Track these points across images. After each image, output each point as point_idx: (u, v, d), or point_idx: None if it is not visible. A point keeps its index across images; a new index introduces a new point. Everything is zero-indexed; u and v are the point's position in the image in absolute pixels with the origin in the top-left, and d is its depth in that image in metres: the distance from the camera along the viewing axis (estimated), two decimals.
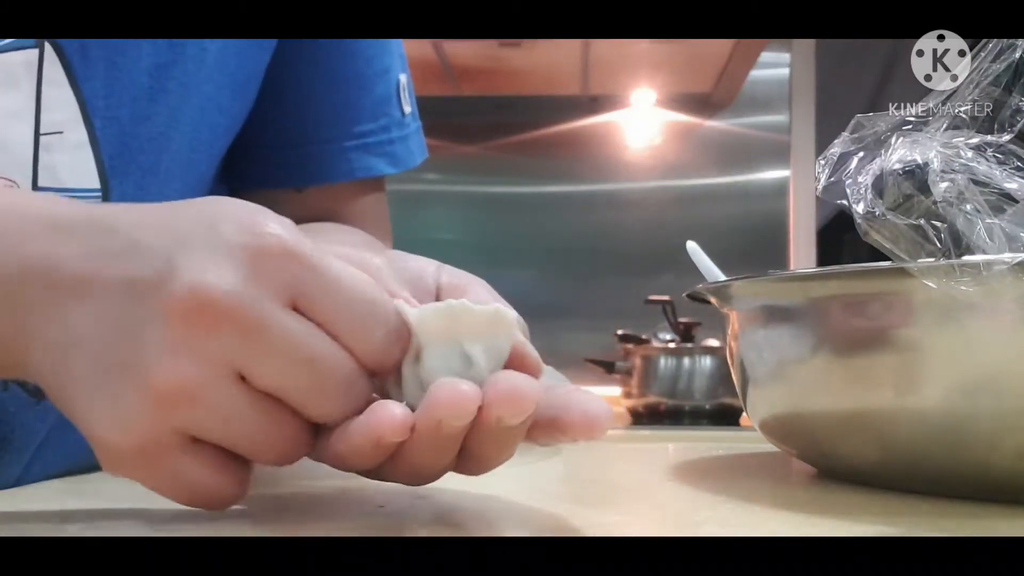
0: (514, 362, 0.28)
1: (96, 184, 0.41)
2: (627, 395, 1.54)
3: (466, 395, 0.24)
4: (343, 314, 0.26)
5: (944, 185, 0.30)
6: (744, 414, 0.41)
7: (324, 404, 0.26)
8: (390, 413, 0.25)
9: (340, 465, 0.27)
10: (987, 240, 0.29)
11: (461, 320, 0.27)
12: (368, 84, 0.54)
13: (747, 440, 0.52)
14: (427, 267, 0.33)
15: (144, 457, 0.25)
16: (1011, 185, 0.30)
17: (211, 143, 0.47)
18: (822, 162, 0.34)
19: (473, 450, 0.27)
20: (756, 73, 1.87)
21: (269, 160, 0.52)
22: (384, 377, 0.28)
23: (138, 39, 0.41)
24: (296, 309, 0.26)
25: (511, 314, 0.28)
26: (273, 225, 0.26)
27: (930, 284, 0.29)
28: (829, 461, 0.38)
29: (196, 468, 0.26)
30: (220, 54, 0.45)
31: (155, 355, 0.24)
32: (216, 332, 0.24)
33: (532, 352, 0.28)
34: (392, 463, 0.27)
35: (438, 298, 0.32)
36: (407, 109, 0.56)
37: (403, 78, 0.56)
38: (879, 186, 0.32)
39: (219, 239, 0.25)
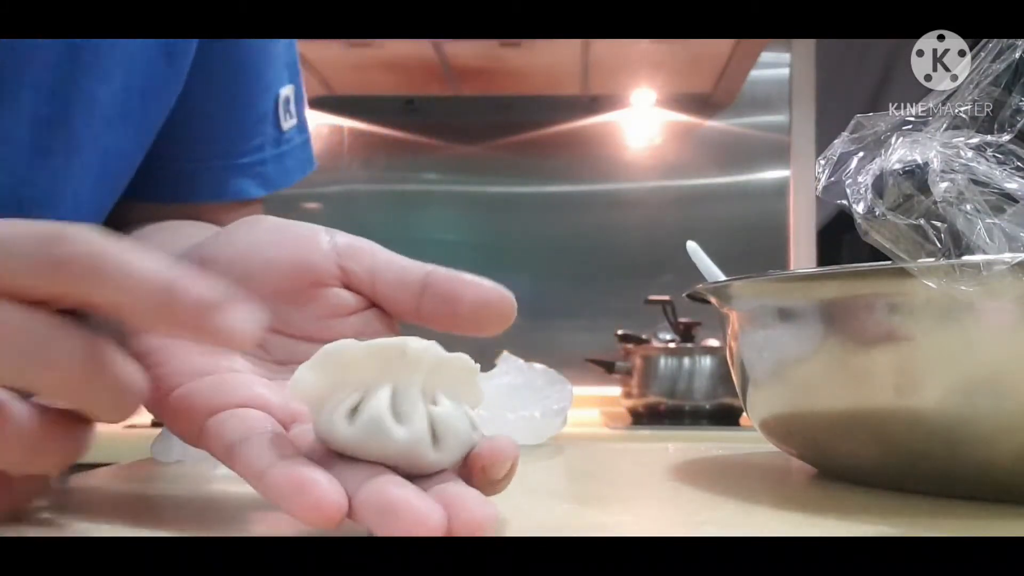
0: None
1: None
2: (627, 395, 1.54)
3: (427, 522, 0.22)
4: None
5: (944, 185, 0.30)
6: (744, 414, 0.41)
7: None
8: (321, 499, 0.23)
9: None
10: (987, 240, 0.29)
11: (421, 361, 0.25)
12: (252, 100, 0.51)
13: (747, 440, 0.52)
14: (318, 233, 0.32)
15: None
16: (1011, 185, 0.30)
17: (114, 186, 0.46)
18: (822, 162, 0.34)
19: None
20: (756, 73, 1.87)
21: (149, 173, 0.49)
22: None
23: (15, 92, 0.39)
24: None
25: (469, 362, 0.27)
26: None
27: (930, 284, 0.29)
28: (829, 461, 0.38)
29: None
30: (122, 100, 0.43)
31: None
32: None
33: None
34: None
35: (341, 264, 0.31)
36: (287, 124, 0.53)
37: (286, 91, 0.53)
38: (879, 186, 0.32)
39: None
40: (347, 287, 0.31)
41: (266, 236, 0.32)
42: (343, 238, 0.32)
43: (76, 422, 0.24)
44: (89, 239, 0.23)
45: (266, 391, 0.28)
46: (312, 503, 0.22)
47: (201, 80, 0.48)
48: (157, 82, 0.45)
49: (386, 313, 0.32)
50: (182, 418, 0.28)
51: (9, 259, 0.22)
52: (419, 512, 0.22)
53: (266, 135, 0.52)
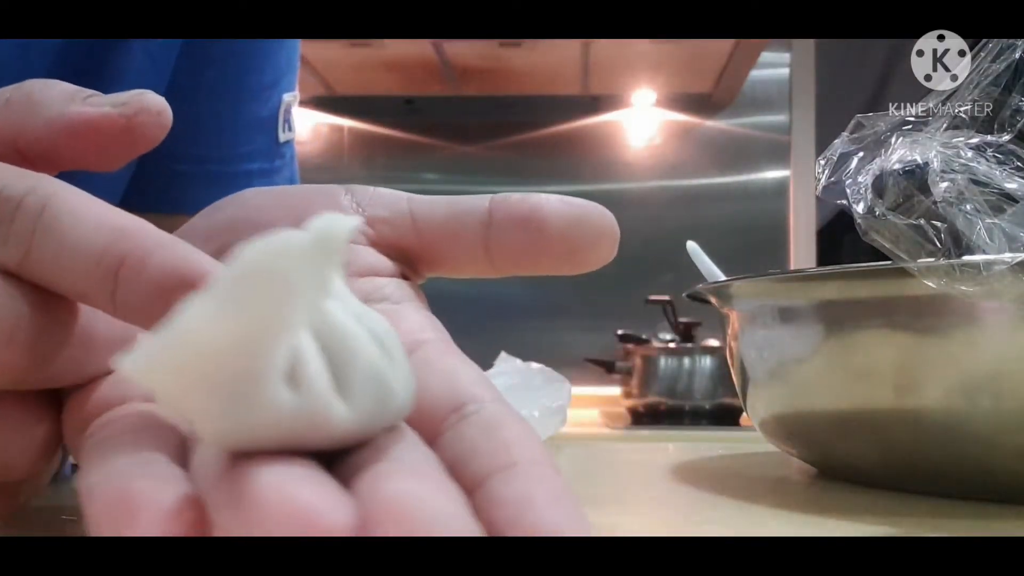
0: None
1: None
2: (627, 395, 1.54)
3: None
4: None
5: (944, 185, 0.30)
6: (744, 414, 0.41)
7: None
8: (149, 503, 0.15)
9: None
10: (987, 240, 0.29)
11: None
12: (252, 104, 0.46)
13: (747, 440, 0.52)
14: (334, 188, 0.26)
15: None
16: (1011, 185, 0.30)
17: (111, 191, 0.42)
18: (822, 162, 0.34)
19: None
20: (756, 73, 1.87)
21: (146, 181, 0.44)
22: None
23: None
24: None
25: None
26: None
27: (930, 284, 0.29)
28: (829, 461, 0.38)
29: None
30: None
31: None
32: None
33: None
34: None
35: (369, 216, 0.25)
36: (285, 136, 0.48)
37: (288, 98, 0.48)
38: (879, 186, 0.32)
39: None
40: (375, 245, 0.25)
41: (275, 198, 0.26)
42: (365, 190, 0.26)
43: None
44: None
45: None
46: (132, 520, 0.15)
47: (195, 83, 0.45)
48: (144, 86, 0.44)
49: (415, 280, 0.25)
50: (67, 428, 0.21)
51: None
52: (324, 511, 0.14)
53: (263, 143, 0.48)
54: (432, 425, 0.18)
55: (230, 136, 0.47)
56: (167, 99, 0.43)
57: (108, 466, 0.17)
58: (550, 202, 0.24)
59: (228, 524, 0.15)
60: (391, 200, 0.26)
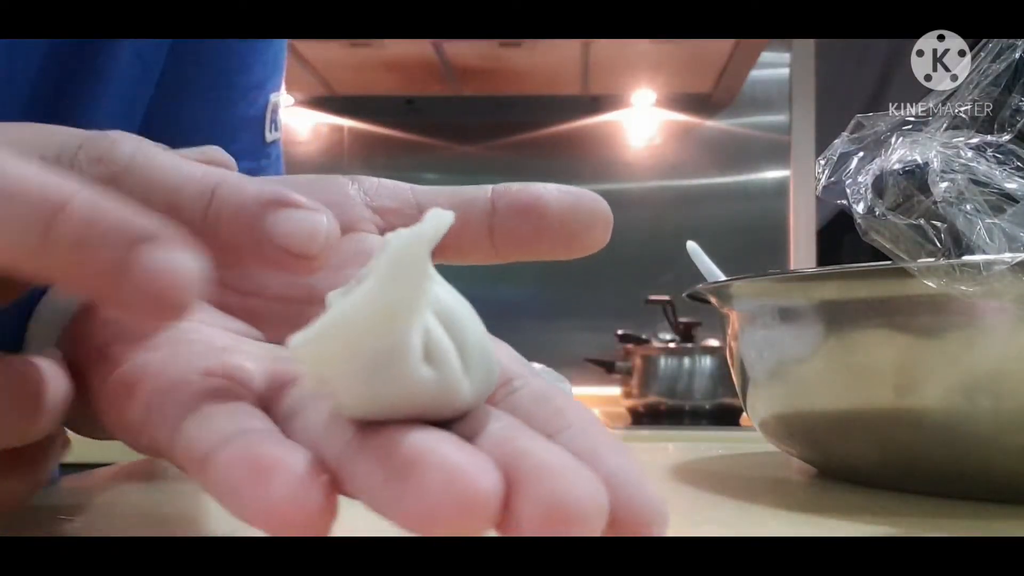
0: None
1: None
2: (627, 395, 1.54)
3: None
4: None
5: (944, 185, 0.30)
6: (744, 414, 0.41)
7: None
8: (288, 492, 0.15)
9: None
10: (987, 240, 0.29)
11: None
12: (238, 102, 0.46)
13: (747, 440, 0.52)
14: (338, 177, 0.27)
15: None
16: (1011, 185, 0.30)
17: None
18: (822, 162, 0.34)
19: None
20: (756, 73, 1.87)
21: None
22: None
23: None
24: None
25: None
26: None
27: (930, 284, 0.29)
28: (829, 461, 0.38)
29: None
30: (108, 107, 0.40)
31: None
32: None
33: None
34: None
35: (375, 205, 0.26)
36: (271, 136, 0.47)
37: (275, 98, 0.48)
38: (879, 186, 0.32)
39: None
40: (383, 232, 0.26)
41: (286, 186, 0.27)
42: (370, 180, 0.27)
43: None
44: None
45: (241, 357, 0.21)
46: (273, 499, 0.15)
47: (184, 82, 0.45)
48: (137, 89, 0.44)
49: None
50: (116, 408, 0.21)
51: None
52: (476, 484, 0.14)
53: (249, 143, 0.48)
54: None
55: (218, 136, 0.46)
56: (155, 99, 0.42)
57: (214, 433, 0.17)
58: (549, 191, 0.25)
59: (379, 487, 0.15)
60: (396, 190, 0.27)
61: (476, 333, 0.18)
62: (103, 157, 0.20)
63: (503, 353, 0.21)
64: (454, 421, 0.18)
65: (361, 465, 0.16)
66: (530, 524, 0.15)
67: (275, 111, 0.48)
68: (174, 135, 0.45)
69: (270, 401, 0.20)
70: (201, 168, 0.20)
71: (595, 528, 0.15)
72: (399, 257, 0.16)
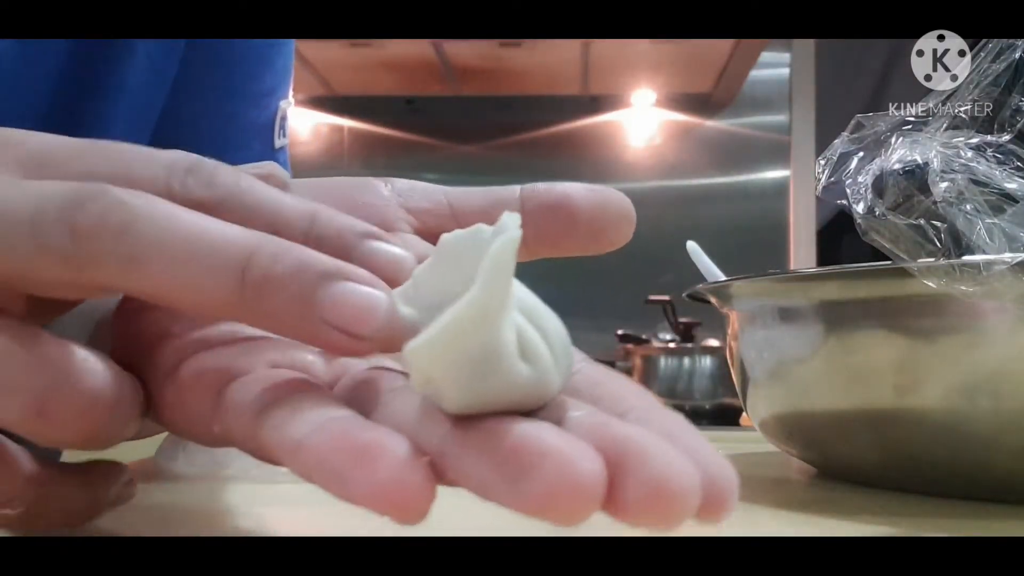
0: None
1: None
2: None
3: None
4: None
5: (944, 185, 0.30)
6: (744, 414, 0.41)
7: None
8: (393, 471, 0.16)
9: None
10: (987, 240, 0.29)
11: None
12: (247, 111, 0.47)
13: (747, 440, 0.52)
14: (371, 180, 0.28)
15: None
16: (1011, 185, 0.30)
17: None
18: (822, 162, 0.34)
19: None
20: (756, 73, 1.87)
21: None
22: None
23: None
24: None
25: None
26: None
27: (930, 284, 0.29)
28: (829, 461, 0.38)
29: None
30: (124, 116, 0.41)
31: None
32: None
33: None
34: None
35: (409, 206, 0.27)
36: (279, 143, 0.49)
37: (285, 104, 0.49)
38: (879, 186, 0.32)
39: None
40: (419, 234, 0.26)
41: (324, 190, 0.27)
42: (403, 182, 0.27)
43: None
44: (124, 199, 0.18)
45: (304, 351, 0.22)
46: (380, 478, 0.15)
47: (196, 91, 0.45)
48: (150, 97, 0.44)
49: None
50: (189, 399, 0.21)
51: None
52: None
53: (259, 150, 0.48)
54: None
55: (231, 143, 0.47)
56: (168, 107, 0.43)
57: (305, 421, 0.17)
58: (577, 190, 0.26)
59: (489, 476, 0.16)
60: (429, 191, 0.27)
61: (554, 324, 0.19)
62: (211, 182, 0.20)
63: None
64: (538, 411, 0.18)
65: (467, 455, 0.16)
66: (635, 506, 0.15)
67: (284, 118, 0.49)
68: (187, 143, 0.46)
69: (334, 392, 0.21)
70: (297, 203, 0.20)
71: (693, 507, 0.16)
72: (496, 262, 0.17)
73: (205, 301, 0.18)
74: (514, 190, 0.27)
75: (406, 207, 0.27)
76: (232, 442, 0.20)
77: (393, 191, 0.27)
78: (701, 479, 0.16)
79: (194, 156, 0.21)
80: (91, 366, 0.19)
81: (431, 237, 0.26)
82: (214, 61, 0.46)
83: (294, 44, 0.52)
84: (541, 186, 0.26)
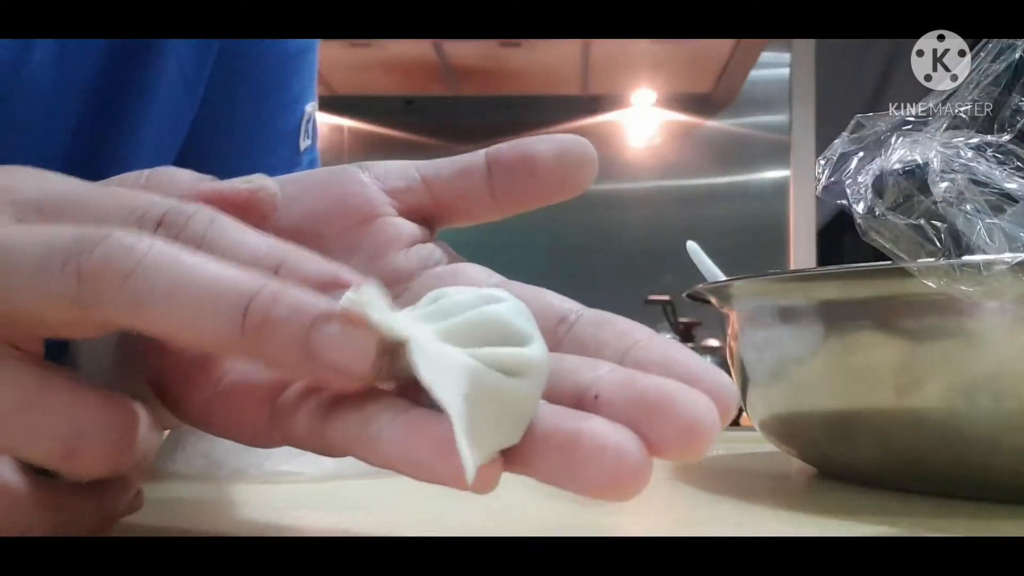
0: None
1: None
2: None
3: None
4: None
5: (944, 185, 0.30)
6: (744, 414, 0.41)
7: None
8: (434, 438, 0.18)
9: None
10: (987, 240, 0.29)
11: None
12: (275, 118, 0.48)
13: (747, 440, 0.52)
14: (348, 167, 0.28)
15: None
16: (1011, 185, 0.30)
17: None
18: (822, 162, 0.34)
19: None
20: (756, 73, 1.87)
21: None
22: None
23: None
24: None
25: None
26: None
27: (930, 284, 0.29)
28: (829, 461, 0.38)
29: None
30: (157, 123, 0.42)
31: None
32: None
33: None
34: None
35: (388, 187, 0.27)
36: (304, 144, 0.50)
37: (309, 108, 0.50)
38: (879, 186, 0.32)
39: None
40: (402, 214, 0.27)
41: (303, 181, 0.28)
42: (377, 165, 0.28)
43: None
44: (129, 245, 0.18)
45: None
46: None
47: (226, 101, 0.46)
48: (181, 106, 0.44)
49: (445, 242, 0.28)
50: (239, 408, 0.22)
51: (13, 285, 0.19)
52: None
53: (285, 155, 0.49)
54: (548, 337, 0.21)
55: (258, 151, 0.49)
56: (198, 117, 0.44)
57: (374, 417, 0.19)
58: (537, 142, 0.27)
59: (554, 465, 0.18)
60: (402, 170, 0.28)
61: (509, 311, 0.20)
62: (187, 225, 0.21)
63: (548, 293, 0.24)
64: (568, 377, 0.20)
65: (526, 445, 0.19)
66: (672, 443, 0.18)
67: (309, 120, 0.50)
68: (217, 151, 0.48)
69: None
70: (266, 245, 0.21)
71: (715, 435, 0.18)
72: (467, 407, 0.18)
73: (208, 341, 0.19)
74: (480, 155, 0.27)
75: (385, 190, 0.27)
76: (290, 443, 0.22)
77: (372, 176, 0.28)
78: (713, 401, 0.18)
79: (174, 201, 0.22)
80: (117, 405, 0.20)
81: (412, 214, 0.28)
82: (243, 71, 0.47)
83: (318, 49, 0.53)
84: (503, 146, 0.27)
